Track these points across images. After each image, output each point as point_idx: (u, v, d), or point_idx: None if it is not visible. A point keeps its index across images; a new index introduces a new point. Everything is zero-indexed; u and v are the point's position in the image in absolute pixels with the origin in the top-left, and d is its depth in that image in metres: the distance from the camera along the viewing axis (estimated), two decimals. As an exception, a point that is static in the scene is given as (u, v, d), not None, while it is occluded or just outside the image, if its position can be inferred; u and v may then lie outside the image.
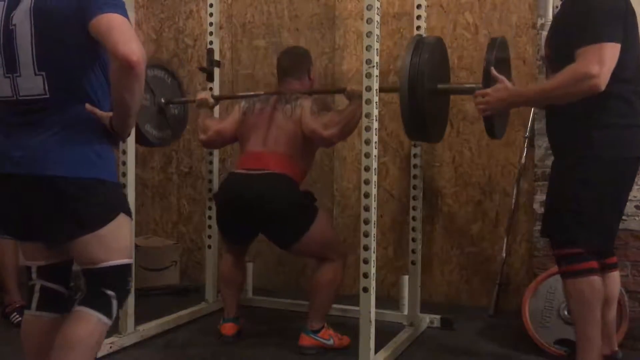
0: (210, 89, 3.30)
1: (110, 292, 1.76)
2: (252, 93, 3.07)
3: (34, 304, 1.85)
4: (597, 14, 2.04)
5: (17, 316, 3.08)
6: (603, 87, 2.00)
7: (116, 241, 1.77)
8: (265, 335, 2.99)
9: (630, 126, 2.13)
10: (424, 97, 2.45)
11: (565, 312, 2.68)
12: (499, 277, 3.35)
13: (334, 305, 3.19)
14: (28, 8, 1.67)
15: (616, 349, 2.40)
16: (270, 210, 2.62)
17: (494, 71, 2.24)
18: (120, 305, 1.81)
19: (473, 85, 2.33)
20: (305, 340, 2.71)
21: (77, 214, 1.70)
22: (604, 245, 2.28)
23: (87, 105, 1.73)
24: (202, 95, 3.09)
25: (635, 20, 2.14)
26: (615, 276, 2.37)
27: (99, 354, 2.58)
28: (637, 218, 2.84)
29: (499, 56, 2.31)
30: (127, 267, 1.81)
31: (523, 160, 3.32)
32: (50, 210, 1.69)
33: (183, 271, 4.00)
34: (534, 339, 2.73)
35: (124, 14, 1.64)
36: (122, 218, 1.78)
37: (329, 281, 2.71)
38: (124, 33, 1.59)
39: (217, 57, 3.33)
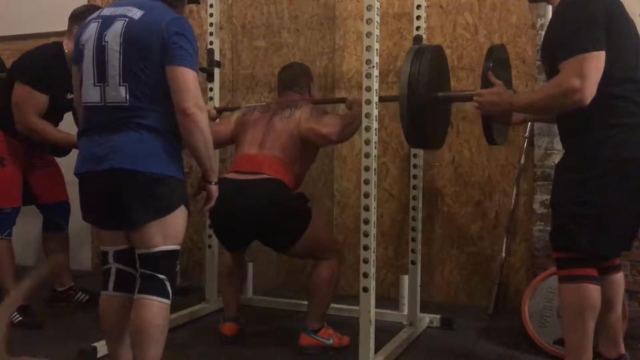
0: (211, 89, 3.31)
1: (162, 276, 2.03)
2: (254, 104, 3.05)
3: (110, 285, 2.11)
4: (574, 25, 2.01)
5: (17, 316, 3.08)
6: (588, 100, 1.96)
7: (173, 228, 2.05)
8: (265, 335, 2.99)
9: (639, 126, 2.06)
10: (423, 105, 2.44)
11: (565, 312, 2.68)
12: (499, 277, 3.35)
13: (334, 305, 3.20)
14: (119, 31, 2.00)
15: (623, 352, 2.34)
16: (263, 219, 2.60)
17: (491, 76, 2.25)
18: (173, 285, 2.05)
19: (473, 92, 2.35)
20: (305, 340, 2.71)
21: (148, 202, 2.00)
22: (606, 251, 2.19)
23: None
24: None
25: (624, 18, 2.09)
26: (616, 279, 2.30)
27: (100, 354, 2.61)
28: (636, 218, 2.84)
29: (498, 61, 2.33)
30: (176, 252, 2.09)
31: (523, 160, 3.33)
32: (127, 198, 1.99)
33: (183, 271, 3.99)
34: (533, 339, 2.74)
35: (195, 64, 2.02)
36: (182, 209, 2.08)
37: (326, 280, 2.70)
38: (189, 91, 1.97)
39: (217, 57, 3.33)
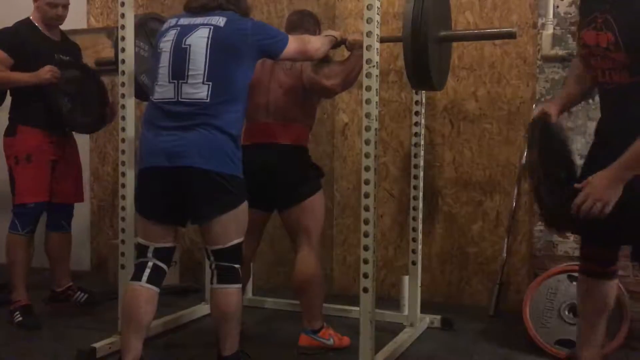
0: None
1: (237, 266, 2.27)
2: None
3: (144, 277, 2.26)
4: None
5: (19, 315, 3.08)
6: None
7: (241, 222, 2.29)
8: (265, 336, 2.98)
9: None
10: (427, 43, 2.42)
11: (566, 312, 2.67)
12: (500, 277, 3.34)
13: (334, 306, 3.20)
14: (206, 36, 2.21)
15: None
16: (285, 173, 2.67)
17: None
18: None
19: (476, 32, 2.26)
20: (305, 340, 2.71)
21: (223, 198, 2.20)
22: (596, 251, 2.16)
23: None
24: None
25: None
26: (605, 285, 2.18)
27: (100, 354, 2.61)
28: (638, 218, 2.83)
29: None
30: (242, 243, 2.31)
31: (524, 160, 3.31)
32: (205, 195, 2.19)
33: (183, 271, 3.98)
34: (534, 340, 2.73)
35: (286, 35, 2.41)
36: (245, 204, 2.29)
37: (309, 279, 2.68)
38: (307, 51, 2.47)
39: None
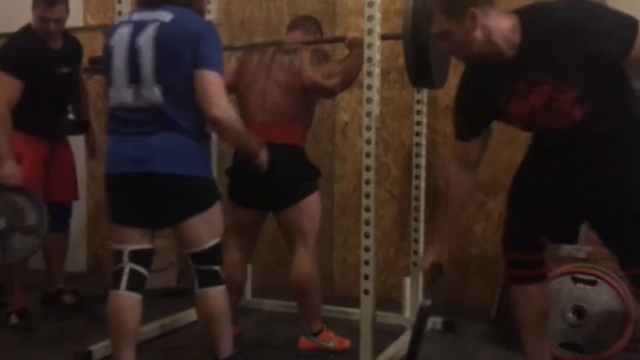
0: None
1: (216, 267, 2.22)
2: (250, 43, 2.99)
3: (123, 285, 2.18)
4: (602, 10, 1.85)
5: (15, 318, 3.06)
6: None
7: (215, 223, 2.23)
8: (264, 338, 2.96)
9: None
10: (427, 41, 2.39)
11: (570, 315, 2.64)
12: (502, 278, 3.30)
13: (335, 307, 3.18)
14: (151, 36, 2.09)
15: None
16: (281, 174, 2.59)
17: None
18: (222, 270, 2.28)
19: None
20: (305, 343, 2.68)
21: (191, 200, 2.16)
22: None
23: None
24: None
25: None
26: (537, 288, 2.16)
27: (96, 357, 2.60)
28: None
29: None
30: (220, 244, 2.27)
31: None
32: (171, 199, 2.14)
33: (181, 273, 3.95)
34: (538, 342, 2.69)
35: (222, 68, 2.12)
36: (218, 205, 2.23)
37: (306, 281, 2.64)
38: (214, 95, 2.07)
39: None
